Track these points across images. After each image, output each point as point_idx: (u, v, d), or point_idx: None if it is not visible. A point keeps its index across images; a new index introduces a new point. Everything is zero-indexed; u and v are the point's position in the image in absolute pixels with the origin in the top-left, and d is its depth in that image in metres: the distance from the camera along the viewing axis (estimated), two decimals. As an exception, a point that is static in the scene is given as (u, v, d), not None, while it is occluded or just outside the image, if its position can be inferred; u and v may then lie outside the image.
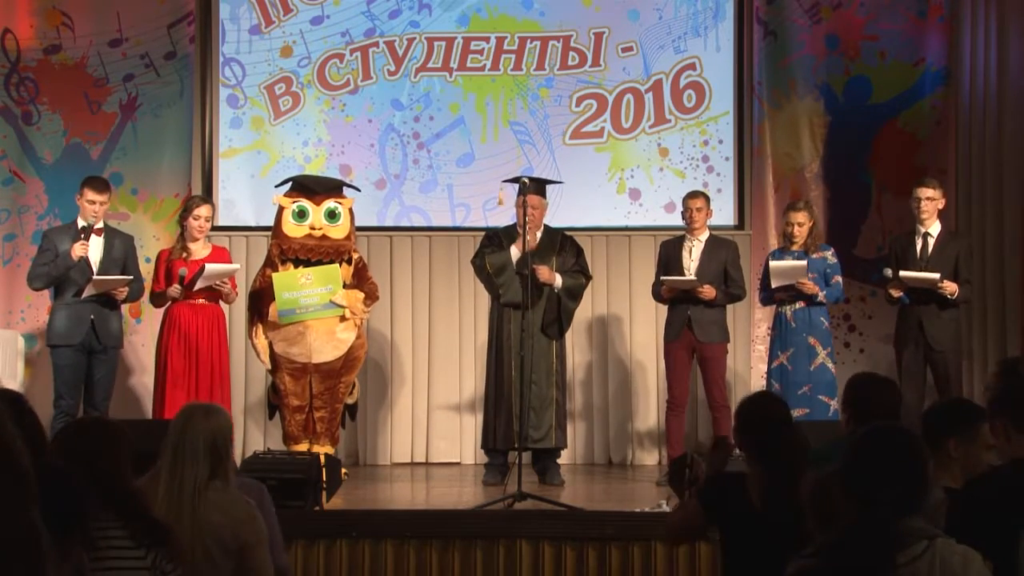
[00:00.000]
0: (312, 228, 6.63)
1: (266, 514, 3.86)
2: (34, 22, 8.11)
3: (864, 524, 2.55)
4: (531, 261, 6.48)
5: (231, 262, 6.98)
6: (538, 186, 6.74)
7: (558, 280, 6.77)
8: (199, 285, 6.60)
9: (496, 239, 6.89)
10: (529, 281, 6.43)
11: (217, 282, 6.65)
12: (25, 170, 8.06)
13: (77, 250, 6.45)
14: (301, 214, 6.65)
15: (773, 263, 6.76)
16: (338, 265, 6.58)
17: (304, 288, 6.49)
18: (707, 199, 7.04)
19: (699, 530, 3.79)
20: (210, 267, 6.59)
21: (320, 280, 6.52)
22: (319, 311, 6.51)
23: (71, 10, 8.10)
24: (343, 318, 6.59)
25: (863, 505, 2.58)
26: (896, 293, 6.66)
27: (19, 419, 3.14)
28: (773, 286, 6.75)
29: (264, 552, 3.40)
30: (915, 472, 2.62)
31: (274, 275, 6.52)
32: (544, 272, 6.68)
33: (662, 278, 6.93)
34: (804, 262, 6.69)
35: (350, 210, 6.77)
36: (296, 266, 6.62)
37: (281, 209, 6.72)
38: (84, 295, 6.47)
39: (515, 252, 6.68)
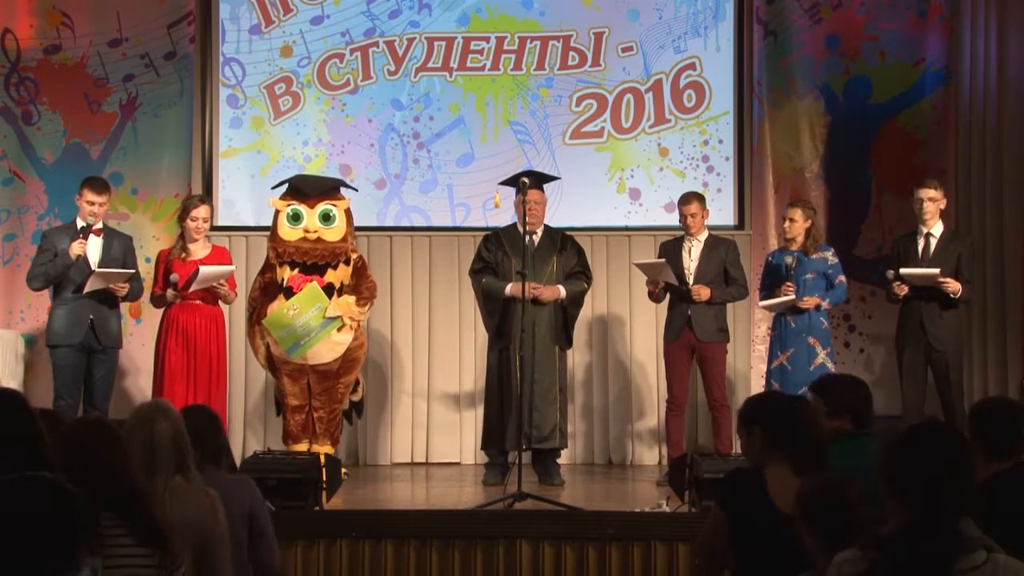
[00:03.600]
0: (306, 231, 6.61)
1: (259, 511, 3.87)
2: (34, 22, 8.11)
3: (928, 526, 2.49)
4: (529, 277, 6.50)
5: (230, 262, 6.97)
6: (537, 181, 6.74)
7: (562, 292, 6.77)
8: (194, 287, 6.60)
9: (496, 241, 6.88)
10: (524, 283, 6.44)
11: (214, 283, 6.65)
12: (25, 170, 8.06)
13: (75, 248, 6.46)
14: (295, 217, 6.63)
15: (763, 303, 6.89)
16: (315, 282, 6.56)
17: (296, 319, 6.48)
18: (701, 202, 7.02)
19: (726, 539, 3.65)
20: (204, 269, 6.58)
21: (306, 304, 6.51)
22: (321, 332, 6.52)
23: (71, 10, 8.10)
24: (341, 327, 6.59)
25: (928, 507, 2.51)
26: (901, 292, 6.65)
27: (18, 419, 3.13)
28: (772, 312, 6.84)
29: (225, 550, 3.40)
30: (969, 472, 2.58)
31: (265, 320, 6.53)
32: (547, 293, 6.68)
33: (644, 272, 6.96)
34: (791, 297, 6.69)
35: (347, 211, 6.76)
36: (292, 269, 6.60)
37: (277, 212, 6.71)
38: (86, 289, 6.46)
39: (509, 289, 6.68)
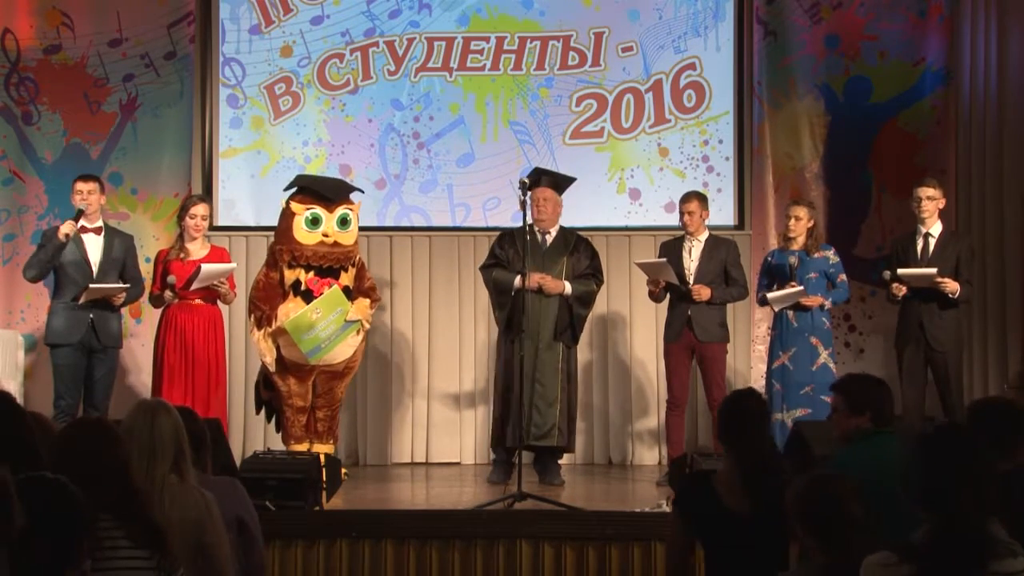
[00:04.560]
0: (324, 236, 6.56)
1: (247, 514, 3.87)
2: (34, 22, 8.11)
3: (954, 528, 2.49)
4: (530, 272, 6.49)
5: (230, 262, 6.97)
6: (550, 179, 6.73)
7: (567, 288, 6.76)
8: (196, 285, 6.59)
9: (509, 240, 6.88)
10: (524, 279, 6.44)
11: (215, 282, 6.64)
12: (25, 170, 8.06)
13: (64, 227, 6.47)
14: (315, 221, 6.57)
15: (771, 295, 6.80)
16: (336, 286, 6.53)
17: (319, 322, 6.42)
18: (701, 201, 7.02)
19: (691, 544, 3.75)
20: (206, 268, 6.58)
21: (328, 307, 6.47)
22: (341, 335, 6.49)
23: (71, 10, 8.10)
24: (359, 330, 6.58)
25: (944, 508, 2.52)
26: (900, 293, 6.65)
27: (9, 420, 3.13)
28: (776, 310, 6.81)
29: (224, 551, 3.39)
30: (991, 473, 2.58)
31: (286, 323, 6.41)
32: (549, 284, 6.67)
33: (646, 271, 6.95)
34: (801, 287, 6.70)
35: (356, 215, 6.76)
36: (307, 272, 6.56)
37: (291, 214, 6.61)
38: (81, 300, 6.49)
39: (518, 281, 6.66)
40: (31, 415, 3.36)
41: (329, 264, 6.56)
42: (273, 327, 6.48)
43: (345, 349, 6.56)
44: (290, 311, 6.46)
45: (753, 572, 3.51)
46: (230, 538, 3.75)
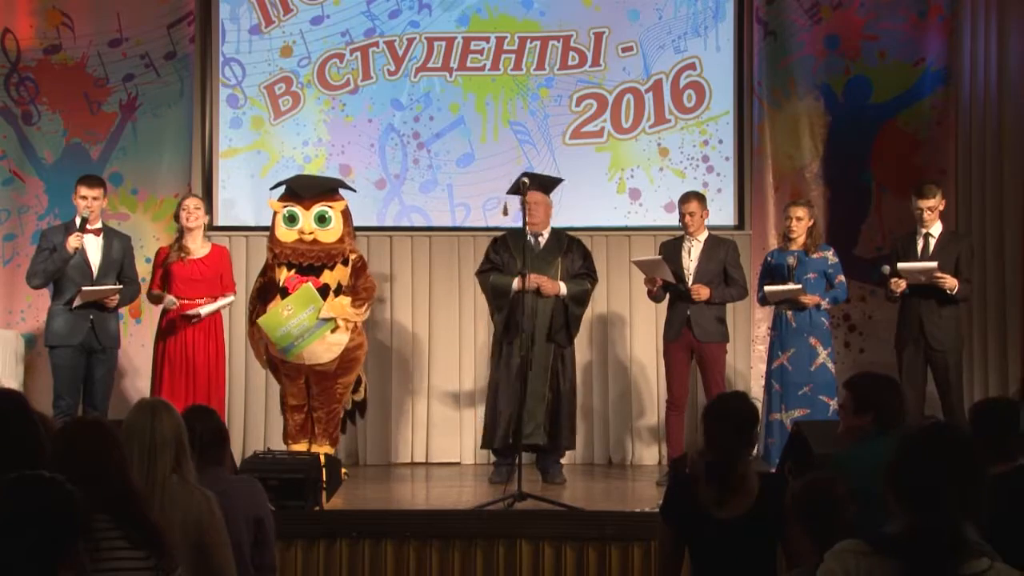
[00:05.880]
0: (302, 233, 6.59)
1: (266, 514, 3.87)
2: (34, 22, 8.11)
3: (928, 525, 2.46)
4: (529, 273, 6.50)
5: (230, 262, 7.05)
6: (539, 183, 6.74)
7: (563, 288, 6.78)
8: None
9: (503, 243, 6.90)
10: (524, 281, 6.44)
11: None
12: (25, 170, 8.06)
13: (71, 241, 6.48)
14: (291, 219, 6.60)
15: (768, 288, 6.81)
16: (310, 283, 6.54)
17: (291, 319, 6.44)
18: (700, 201, 7.02)
19: (680, 549, 3.74)
20: (203, 310, 6.70)
21: (300, 305, 6.48)
22: (314, 333, 6.48)
23: (71, 10, 8.10)
24: (335, 328, 6.56)
25: (926, 505, 2.48)
26: (898, 289, 6.65)
27: (17, 419, 3.13)
28: (771, 303, 6.81)
29: (227, 552, 3.39)
30: (976, 472, 2.55)
31: (259, 321, 6.51)
32: (547, 286, 6.68)
33: (642, 269, 6.95)
34: (800, 285, 6.71)
35: (344, 211, 6.72)
36: (289, 270, 6.59)
37: (275, 213, 6.69)
38: (75, 304, 6.50)
39: (516, 283, 6.68)
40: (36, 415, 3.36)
41: (310, 261, 6.57)
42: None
43: (325, 347, 6.52)
44: (268, 309, 6.52)
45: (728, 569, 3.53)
46: (247, 536, 3.76)
